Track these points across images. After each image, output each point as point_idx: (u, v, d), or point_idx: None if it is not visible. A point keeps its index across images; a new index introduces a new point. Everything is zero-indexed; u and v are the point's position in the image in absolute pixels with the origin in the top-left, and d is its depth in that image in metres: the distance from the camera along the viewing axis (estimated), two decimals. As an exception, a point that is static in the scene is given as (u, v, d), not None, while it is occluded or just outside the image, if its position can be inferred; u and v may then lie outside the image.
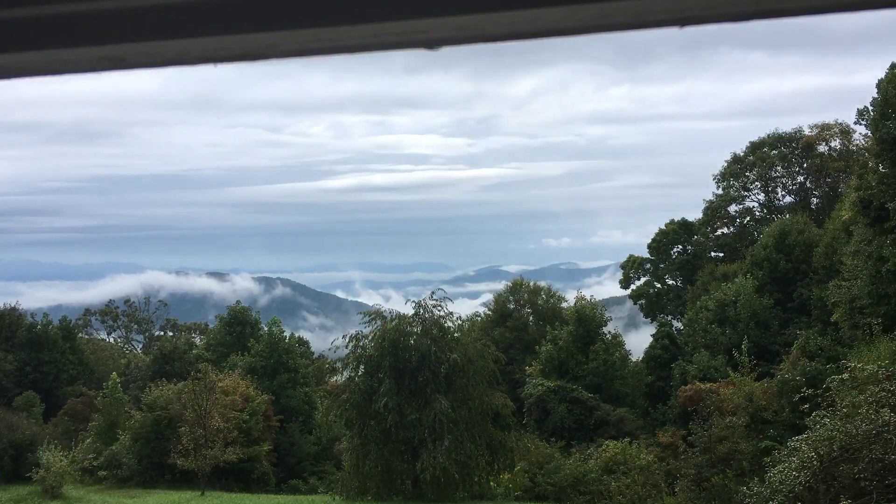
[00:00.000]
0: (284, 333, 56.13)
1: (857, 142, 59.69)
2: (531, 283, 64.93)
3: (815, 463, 18.45)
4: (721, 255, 65.56)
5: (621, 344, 51.87)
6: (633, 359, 53.65)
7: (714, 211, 65.90)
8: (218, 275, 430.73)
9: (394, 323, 33.94)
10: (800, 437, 20.63)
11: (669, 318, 63.90)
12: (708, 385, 35.99)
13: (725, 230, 67.25)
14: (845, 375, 21.08)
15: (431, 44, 1.33)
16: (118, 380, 47.29)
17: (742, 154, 66.09)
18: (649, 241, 67.07)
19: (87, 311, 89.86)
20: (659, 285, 67.19)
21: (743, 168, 65.67)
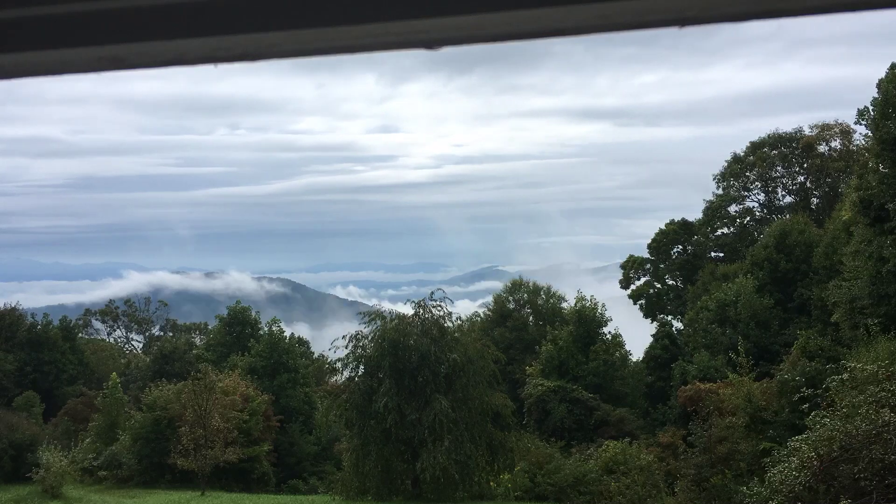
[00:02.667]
0: (284, 333, 56.14)
1: (858, 142, 59.70)
2: (531, 283, 64.95)
3: (814, 463, 18.45)
4: (721, 255, 65.55)
5: (621, 344, 51.90)
6: (633, 359, 53.69)
7: (714, 211, 65.89)
8: (218, 274, 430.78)
9: (394, 323, 33.93)
10: (800, 437, 20.62)
11: (669, 318, 63.92)
12: (708, 385, 36.01)
13: (726, 230, 67.25)
14: (845, 375, 21.07)
15: (431, 44, 1.33)
16: (118, 380, 47.29)
17: (742, 154, 66.12)
18: (649, 241, 67.11)
19: (88, 311, 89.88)
20: (659, 285, 67.19)
21: (743, 168, 65.69)
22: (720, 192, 66.32)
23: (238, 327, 59.95)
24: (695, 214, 67.11)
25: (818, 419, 19.83)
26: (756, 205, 66.99)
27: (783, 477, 19.35)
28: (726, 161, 66.77)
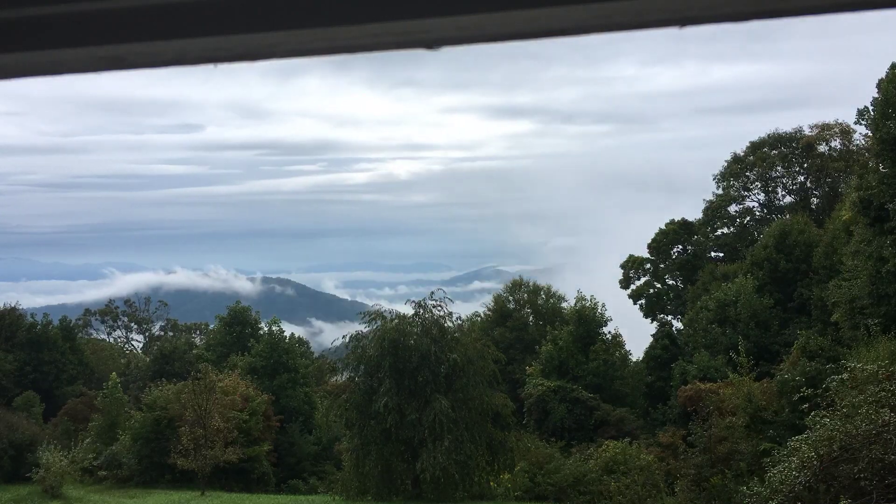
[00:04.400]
0: (284, 333, 56.14)
1: (858, 142, 59.72)
2: (531, 283, 64.96)
3: (814, 463, 18.45)
4: (721, 255, 65.57)
5: (621, 344, 51.90)
6: (633, 359, 53.69)
7: (714, 211, 65.92)
8: (217, 274, 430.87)
9: (394, 323, 33.93)
10: (799, 437, 20.61)
11: (669, 318, 63.93)
12: (708, 385, 36.01)
13: (725, 230, 67.27)
14: (845, 375, 21.07)
15: (431, 44, 1.33)
16: (118, 380, 47.29)
17: (742, 154, 66.14)
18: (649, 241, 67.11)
19: (87, 311, 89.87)
20: (659, 285, 67.19)
21: (743, 168, 65.71)
22: (720, 191, 66.35)
23: (238, 327, 59.95)
24: (694, 214, 67.21)
25: (818, 419, 19.81)
26: (756, 205, 67.03)
27: (783, 477, 19.35)
28: (726, 161, 66.82)
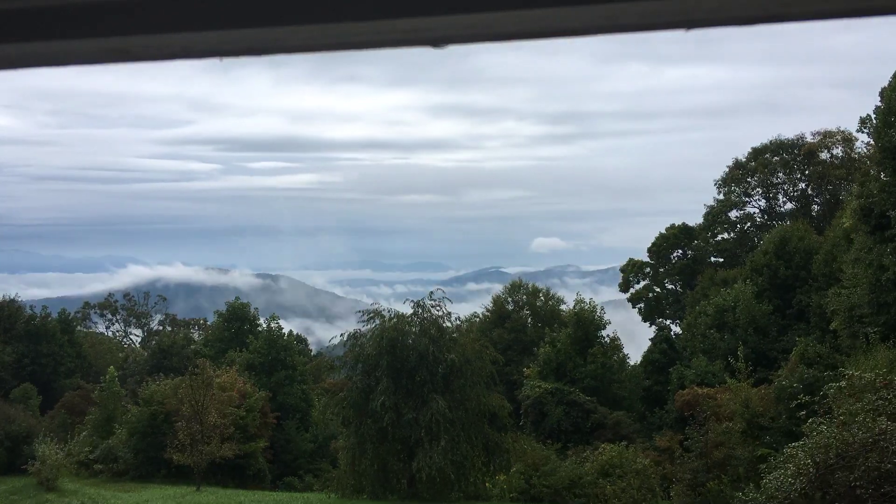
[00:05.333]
0: (283, 330, 56.15)
1: (860, 150, 59.70)
2: (530, 285, 64.96)
3: (811, 470, 18.45)
4: (721, 260, 65.56)
5: (619, 347, 51.88)
6: (631, 362, 53.68)
7: (714, 216, 65.92)
8: (217, 270, 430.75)
9: (392, 322, 33.90)
10: (796, 443, 20.61)
11: (668, 322, 63.91)
12: (705, 390, 35.99)
13: (726, 235, 67.26)
14: (843, 383, 21.06)
15: (438, 42, 1.33)
16: (115, 373, 47.29)
17: (744, 160, 66.12)
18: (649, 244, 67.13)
19: (86, 305, 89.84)
20: (658, 289, 67.20)
21: (744, 174, 65.69)
22: (721, 197, 66.34)
23: (237, 323, 59.96)
24: (696, 219, 67.23)
25: (815, 426, 19.81)
26: (757, 210, 67.05)
27: (779, 483, 19.35)
28: (728, 166, 66.84)
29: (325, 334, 58.26)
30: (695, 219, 67.36)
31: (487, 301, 65.89)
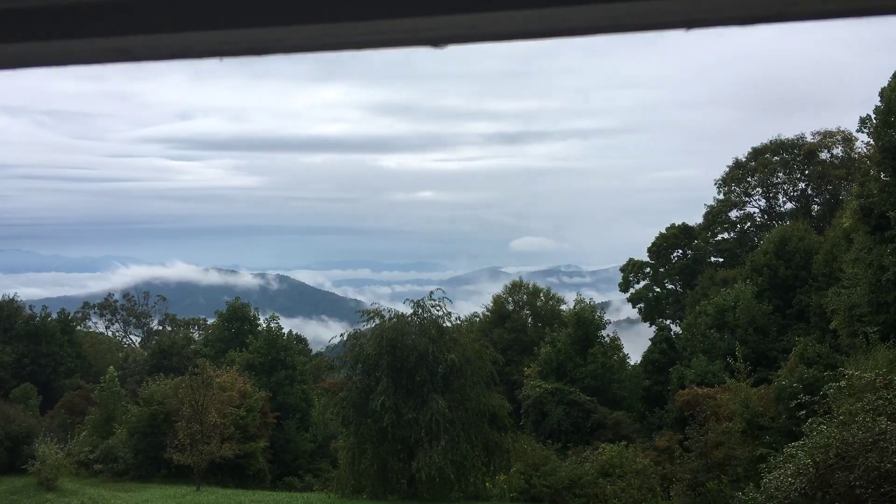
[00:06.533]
0: (283, 330, 56.14)
1: (860, 150, 59.68)
2: (530, 285, 64.98)
3: (810, 470, 18.45)
4: (721, 260, 65.56)
5: (619, 347, 51.89)
6: (631, 362, 53.69)
7: (715, 216, 65.91)
8: (218, 270, 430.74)
9: (392, 322, 33.90)
10: (796, 443, 20.62)
11: (668, 322, 63.91)
12: (705, 390, 35.99)
13: (726, 235, 67.25)
14: (842, 383, 21.06)
15: (438, 42, 1.33)
16: (115, 373, 47.27)
17: (744, 159, 66.11)
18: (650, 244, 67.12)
19: (86, 305, 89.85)
20: (658, 289, 67.20)
21: (744, 173, 65.67)
22: (721, 197, 66.33)
23: (236, 323, 59.94)
24: (696, 219, 67.22)
25: (815, 426, 19.81)
26: (757, 210, 67.03)
27: (779, 483, 19.35)
28: (728, 166, 66.83)
29: (325, 334, 58.26)
30: (695, 218, 67.40)
31: (487, 301, 65.97)
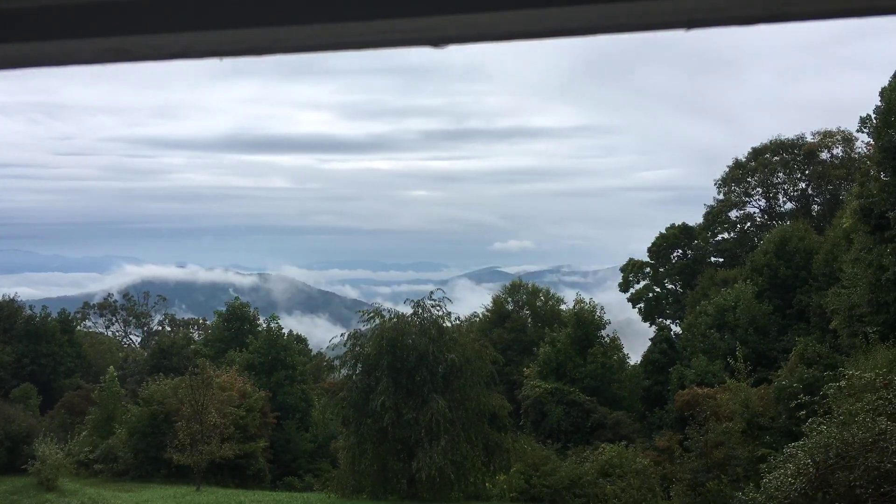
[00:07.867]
0: (283, 330, 56.14)
1: (860, 150, 59.67)
2: (530, 285, 64.97)
3: (810, 470, 18.45)
4: (721, 260, 65.54)
5: (619, 347, 51.88)
6: (631, 362, 53.68)
7: (715, 216, 65.89)
8: (215, 270, 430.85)
9: (392, 322, 33.90)
10: (796, 443, 20.63)
11: (668, 322, 63.90)
12: (705, 390, 36.00)
13: (726, 235, 67.24)
14: (842, 383, 21.07)
15: (438, 42, 1.32)
16: (115, 373, 47.26)
17: (744, 159, 66.09)
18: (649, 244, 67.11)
19: (86, 305, 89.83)
20: (658, 289, 67.19)
21: (744, 173, 65.66)
22: (721, 196, 66.31)
23: (236, 323, 59.93)
24: (696, 219, 67.21)
25: (815, 426, 19.82)
26: (757, 210, 67.01)
27: (779, 483, 19.36)
28: (728, 166, 66.82)
29: (325, 334, 58.24)
30: (695, 218, 67.37)
31: (487, 301, 65.95)
